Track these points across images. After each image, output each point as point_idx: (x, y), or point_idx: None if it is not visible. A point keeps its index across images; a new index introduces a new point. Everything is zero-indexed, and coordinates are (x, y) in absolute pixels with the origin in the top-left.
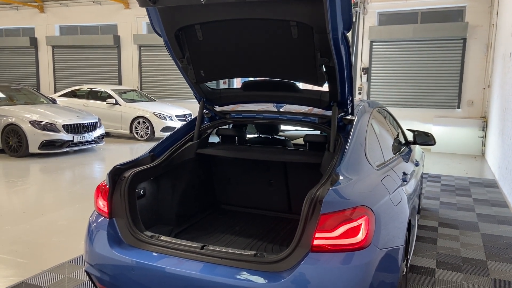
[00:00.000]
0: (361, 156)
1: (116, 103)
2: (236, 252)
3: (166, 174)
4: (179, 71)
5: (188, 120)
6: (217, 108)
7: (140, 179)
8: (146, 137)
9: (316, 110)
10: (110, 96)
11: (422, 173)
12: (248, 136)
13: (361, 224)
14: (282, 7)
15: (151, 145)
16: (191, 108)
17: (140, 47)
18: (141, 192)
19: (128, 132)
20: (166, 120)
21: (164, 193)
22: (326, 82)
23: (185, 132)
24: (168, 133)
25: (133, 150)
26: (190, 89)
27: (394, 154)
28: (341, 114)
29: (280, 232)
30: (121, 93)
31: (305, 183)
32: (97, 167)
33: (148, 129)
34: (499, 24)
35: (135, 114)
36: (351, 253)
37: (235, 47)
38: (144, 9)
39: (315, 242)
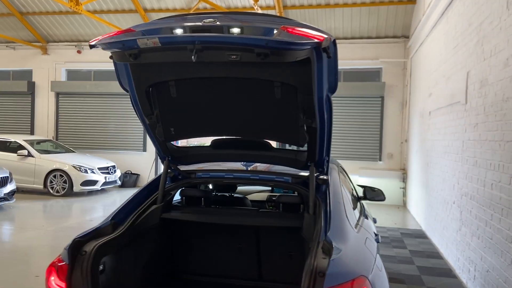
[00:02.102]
0: (343, 218)
1: (29, 154)
2: None
3: (127, 244)
4: (136, 124)
5: (112, 173)
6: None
7: (103, 253)
8: (63, 192)
9: (277, 168)
10: (21, 147)
11: None
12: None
13: None
14: (267, 68)
15: (68, 201)
16: (114, 159)
17: (57, 94)
18: (101, 267)
19: (41, 187)
20: (87, 173)
21: (125, 266)
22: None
23: (147, 194)
24: (88, 187)
25: (47, 207)
26: (154, 146)
27: (358, 212)
28: (316, 174)
29: None
30: (34, 143)
31: (278, 248)
32: (6, 229)
33: (66, 183)
34: (412, 84)
35: (51, 167)
36: None
37: (212, 105)
38: (64, 54)
39: None
